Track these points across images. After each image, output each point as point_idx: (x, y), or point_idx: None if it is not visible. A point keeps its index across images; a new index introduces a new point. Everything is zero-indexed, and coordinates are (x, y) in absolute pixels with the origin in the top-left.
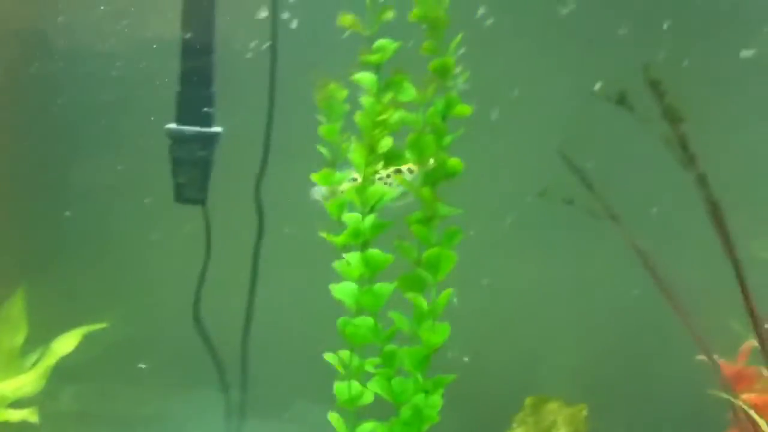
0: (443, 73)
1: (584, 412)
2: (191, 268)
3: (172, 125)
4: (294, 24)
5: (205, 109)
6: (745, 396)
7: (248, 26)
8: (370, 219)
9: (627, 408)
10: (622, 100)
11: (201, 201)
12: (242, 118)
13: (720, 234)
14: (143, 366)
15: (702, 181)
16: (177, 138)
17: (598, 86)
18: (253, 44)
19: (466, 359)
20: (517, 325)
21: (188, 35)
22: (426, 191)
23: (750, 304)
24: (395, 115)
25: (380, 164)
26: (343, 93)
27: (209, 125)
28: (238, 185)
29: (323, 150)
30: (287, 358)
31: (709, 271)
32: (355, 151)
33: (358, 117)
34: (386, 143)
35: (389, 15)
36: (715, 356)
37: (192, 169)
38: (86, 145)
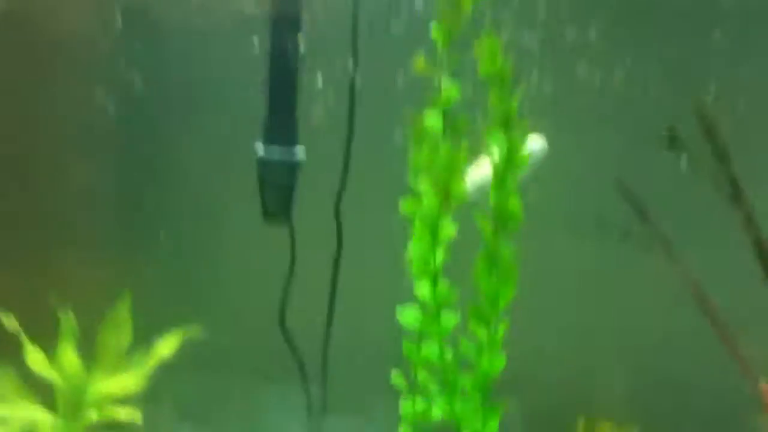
0: (506, 124)
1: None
2: (278, 280)
3: (261, 152)
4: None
5: (290, 135)
6: None
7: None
8: (440, 254)
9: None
10: (673, 145)
11: (286, 220)
12: (324, 138)
13: (763, 267)
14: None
15: (749, 220)
16: (264, 164)
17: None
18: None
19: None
20: (573, 350)
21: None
22: (490, 233)
23: None
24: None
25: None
26: (438, 126)
27: (293, 154)
28: (320, 203)
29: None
30: (364, 362)
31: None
32: (427, 193)
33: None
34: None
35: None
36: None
37: (277, 192)
38: (181, 159)
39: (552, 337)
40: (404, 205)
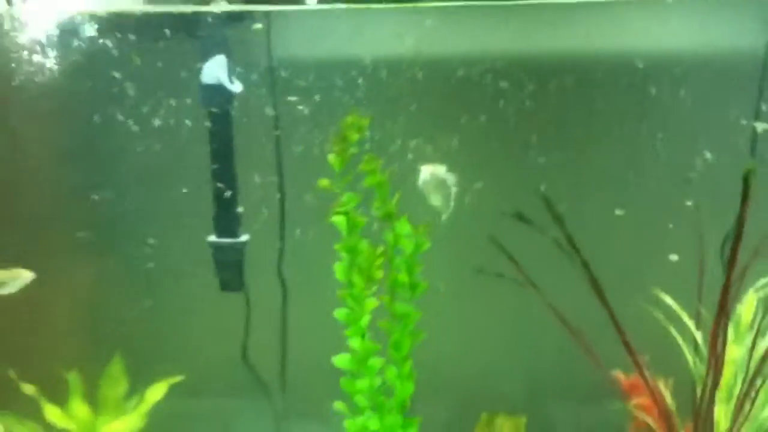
0: (389, 218)
1: (523, 421)
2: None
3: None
4: None
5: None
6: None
7: None
8: (366, 319)
9: (558, 416)
10: (521, 218)
11: (239, 289)
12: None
13: (597, 294)
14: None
15: (585, 265)
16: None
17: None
18: None
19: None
20: (475, 355)
21: None
22: (389, 303)
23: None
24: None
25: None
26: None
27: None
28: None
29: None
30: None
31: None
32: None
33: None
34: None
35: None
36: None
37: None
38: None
39: (456, 349)
40: (339, 292)
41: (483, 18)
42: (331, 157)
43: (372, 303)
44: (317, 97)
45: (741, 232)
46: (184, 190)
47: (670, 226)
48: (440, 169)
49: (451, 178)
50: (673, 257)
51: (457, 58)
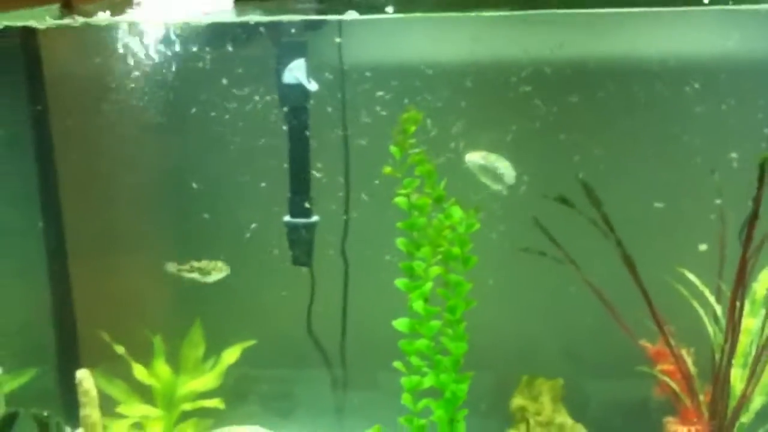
0: (439, 201)
1: (560, 383)
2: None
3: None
4: None
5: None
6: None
7: None
8: (429, 285)
9: (591, 379)
10: (563, 201)
11: (308, 264)
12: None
13: (630, 271)
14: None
15: (619, 243)
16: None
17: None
18: None
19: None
20: (517, 324)
21: None
22: (445, 272)
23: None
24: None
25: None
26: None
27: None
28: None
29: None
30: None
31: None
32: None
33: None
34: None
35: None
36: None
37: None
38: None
39: (501, 319)
40: (402, 266)
41: (530, 26)
42: (393, 148)
43: (435, 270)
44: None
45: (757, 211)
46: (264, 177)
47: (697, 217)
48: (488, 156)
49: (499, 163)
50: (702, 246)
51: (509, 64)
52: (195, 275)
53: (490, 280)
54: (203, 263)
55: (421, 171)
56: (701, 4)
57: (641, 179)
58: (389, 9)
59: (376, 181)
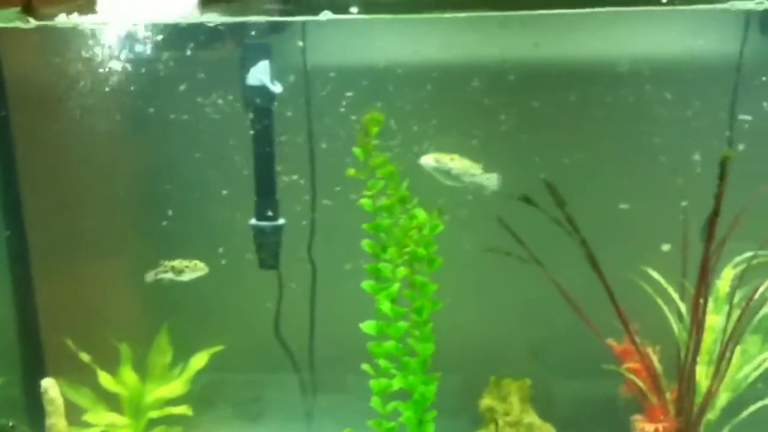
0: (402, 202)
1: (528, 383)
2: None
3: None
4: None
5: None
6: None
7: None
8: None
9: (558, 379)
10: (527, 200)
11: (276, 267)
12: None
13: (595, 270)
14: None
15: (583, 242)
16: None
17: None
18: None
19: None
20: (485, 325)
21: None
22: (411, 274)
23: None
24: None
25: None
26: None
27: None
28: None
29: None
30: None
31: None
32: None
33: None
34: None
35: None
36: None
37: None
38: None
39: (468, 320)
40: (369, 268)
41: (501, 28)
42: (356, 149)
43: (402, 271)
44: (345, 99)
45: (718, 209)
46: (230, 180)
47: (662, 217)
48: (440, 157)
49: (454, 164)
50: (665, 246)
51: (470, 65)
52: (169, 275)
53: (457, 281)
54: (176, 262)
55: (383, 173)
56: (659, 4)
57: (607, 180)
58: (353, 9)
59: (338, 188)
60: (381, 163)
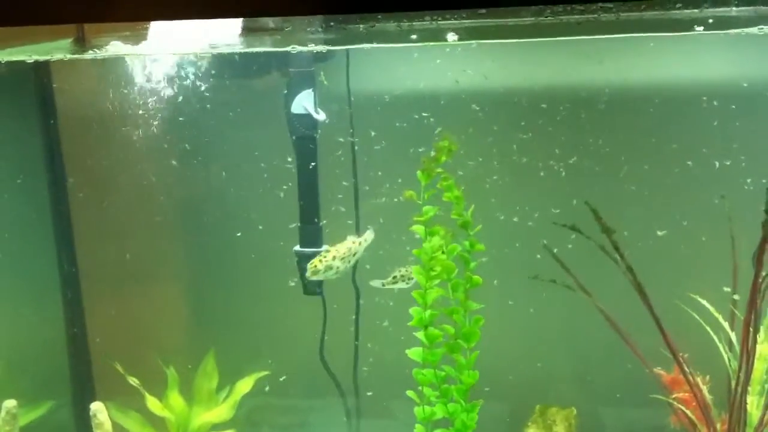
0: (465, 226)
1: (574, 412)
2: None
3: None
4: None
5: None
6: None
7: None
8: (429, 312)
9: (605, 408)
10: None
11: (319, 293)
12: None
13: (641, 295)
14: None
15: (630, 269)
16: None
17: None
18: None
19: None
20: (531, 352)
21: None
22: (461, 298)
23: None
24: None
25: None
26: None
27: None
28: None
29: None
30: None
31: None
32: (418, 272)
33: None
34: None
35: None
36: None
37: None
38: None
39: (513, 347)
40: (415, 294)
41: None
42: (420, 173)
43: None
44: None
45: (767, 236)
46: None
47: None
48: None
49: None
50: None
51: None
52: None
53: (504, 307)
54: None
55: (449, 197)
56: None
57: (650, 205)
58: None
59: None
60: (448, 186)
